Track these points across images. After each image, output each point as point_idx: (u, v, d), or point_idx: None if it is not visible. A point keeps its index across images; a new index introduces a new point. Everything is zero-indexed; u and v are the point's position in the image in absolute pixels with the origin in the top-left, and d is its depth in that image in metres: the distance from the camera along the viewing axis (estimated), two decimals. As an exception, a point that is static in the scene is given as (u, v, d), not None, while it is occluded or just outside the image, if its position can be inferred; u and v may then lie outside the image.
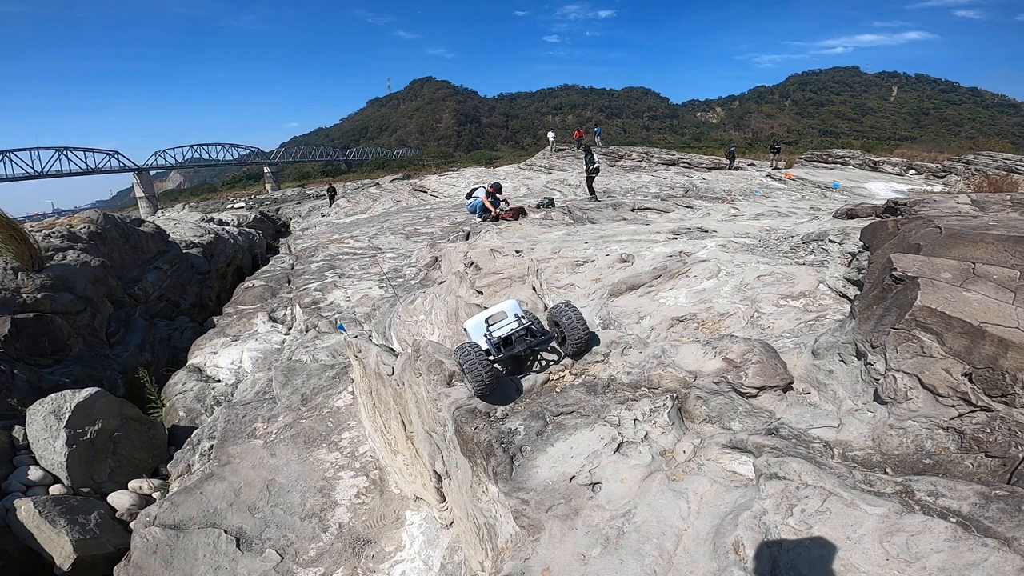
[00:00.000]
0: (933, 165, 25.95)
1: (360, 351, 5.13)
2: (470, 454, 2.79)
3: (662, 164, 29.30)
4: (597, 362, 3.18)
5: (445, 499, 3.83)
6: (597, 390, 2.99)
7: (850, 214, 5.58)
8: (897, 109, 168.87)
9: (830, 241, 4.67)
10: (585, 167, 16.15)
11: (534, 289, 5.45)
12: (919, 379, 2.19)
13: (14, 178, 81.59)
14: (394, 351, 5.48)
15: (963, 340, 2.14)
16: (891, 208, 4.19)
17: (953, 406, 2.11)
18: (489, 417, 2.87)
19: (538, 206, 14.17)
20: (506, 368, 3.70)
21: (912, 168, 26.40)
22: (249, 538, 4.29)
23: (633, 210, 12.11)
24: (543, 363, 3.60)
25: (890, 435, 2.15)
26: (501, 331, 3.51)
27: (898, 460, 2.11)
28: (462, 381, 3.22)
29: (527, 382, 3.18)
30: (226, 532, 4.34)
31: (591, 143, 32.77)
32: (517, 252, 6.03)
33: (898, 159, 28.45)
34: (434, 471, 3.63)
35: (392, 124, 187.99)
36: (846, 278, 3.81)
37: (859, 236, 3.46)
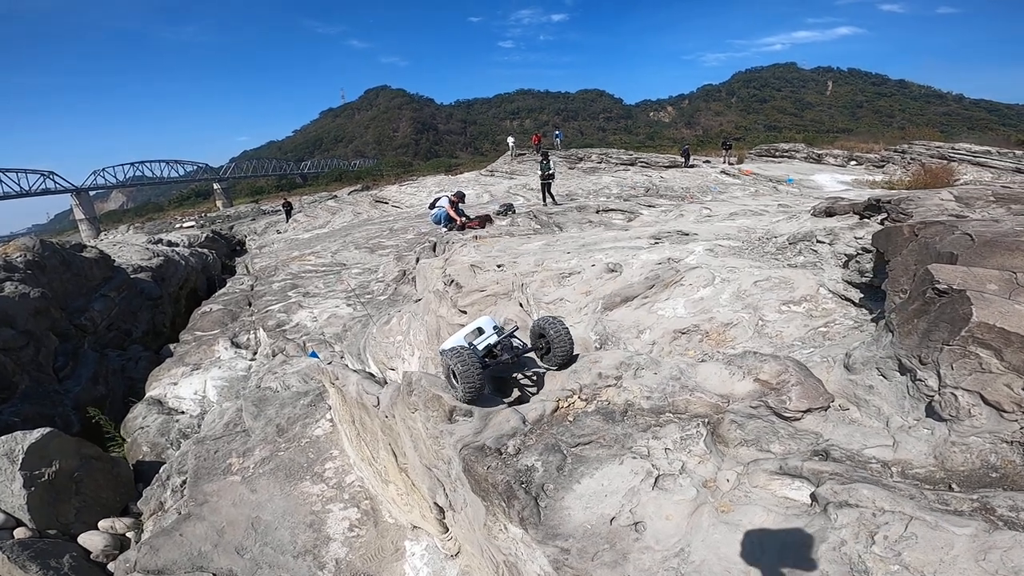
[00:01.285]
0: (872, 156, 27.16)
1: (337, 379, 4.87)
2: (484, 494, 2.59)
3: (621, 164, 29.63)
4: (609, 386, 2.99)
5: (448, 529, 3.64)
6: (615, 417, 2.80)
7: (828, 212, 5.57)
8: (833, 103, 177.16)
9: (818, 242, 4.62)
10: (540, 172, 15.82)
11: (521, 305, 5.26)
12: (981, 396, 2.18)
13: (-59, 204, 75.69)
14: (373, 376, 5.23)
15: (1023, 355, 2.13)
16: (873, 206, 4.21)
17: (1016, 420, 2.11)
18: (500, 454, 2.66)
19: (498, 212, 13.97)
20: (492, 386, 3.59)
21: (853, 159, 27.60)
22: (242, 580, 4.03)
23: (597, 212, 12.12)
24: (531, 378, 3.53)
25: (953, 452, 2.12)
26: (485, 343, 3.52)
27: (963, 476, 2.09)
28: (465, 416, 3.04)
29: (535, 411, 2.96)
30: (215, 575, 4.10)
31: (550, 147, 32.86)
32: (499, 267, 5.83)
33: (839, 151, 29.67)
34: (435, 503, 3.44)
35: (348, 135, 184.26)
36: (847, 281, 3.74)
37: (871, 241, 3.39)
